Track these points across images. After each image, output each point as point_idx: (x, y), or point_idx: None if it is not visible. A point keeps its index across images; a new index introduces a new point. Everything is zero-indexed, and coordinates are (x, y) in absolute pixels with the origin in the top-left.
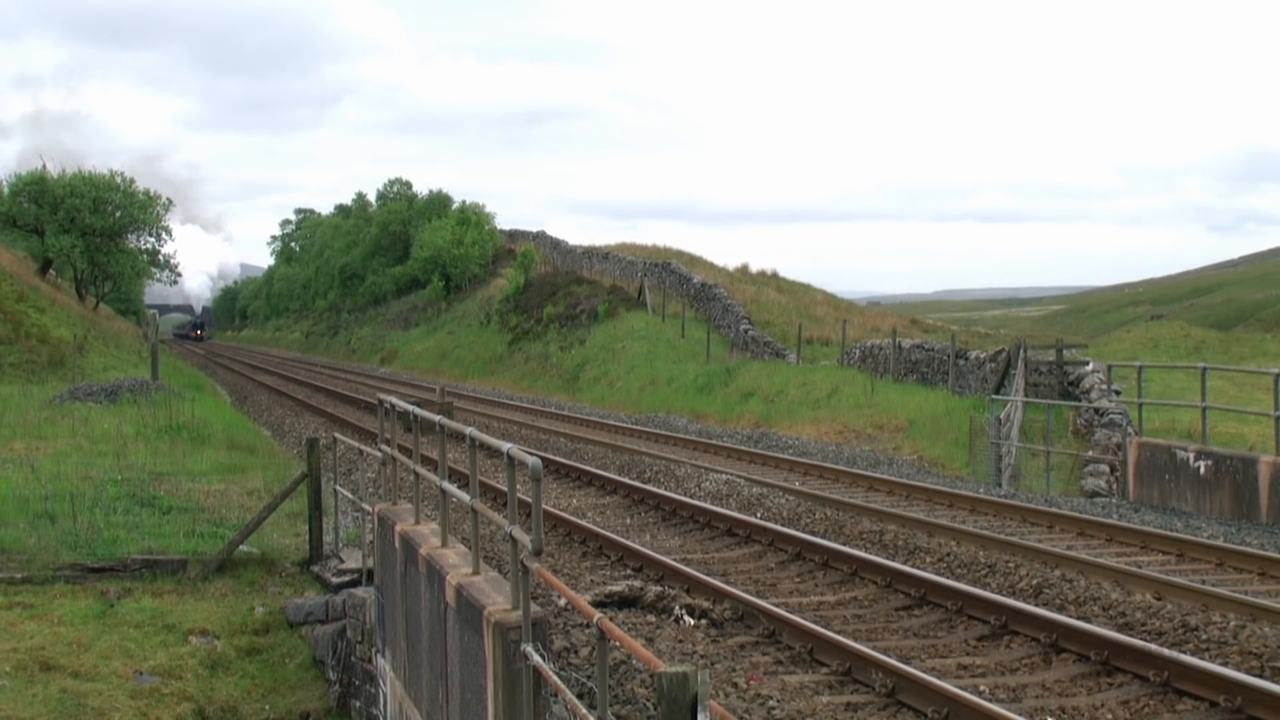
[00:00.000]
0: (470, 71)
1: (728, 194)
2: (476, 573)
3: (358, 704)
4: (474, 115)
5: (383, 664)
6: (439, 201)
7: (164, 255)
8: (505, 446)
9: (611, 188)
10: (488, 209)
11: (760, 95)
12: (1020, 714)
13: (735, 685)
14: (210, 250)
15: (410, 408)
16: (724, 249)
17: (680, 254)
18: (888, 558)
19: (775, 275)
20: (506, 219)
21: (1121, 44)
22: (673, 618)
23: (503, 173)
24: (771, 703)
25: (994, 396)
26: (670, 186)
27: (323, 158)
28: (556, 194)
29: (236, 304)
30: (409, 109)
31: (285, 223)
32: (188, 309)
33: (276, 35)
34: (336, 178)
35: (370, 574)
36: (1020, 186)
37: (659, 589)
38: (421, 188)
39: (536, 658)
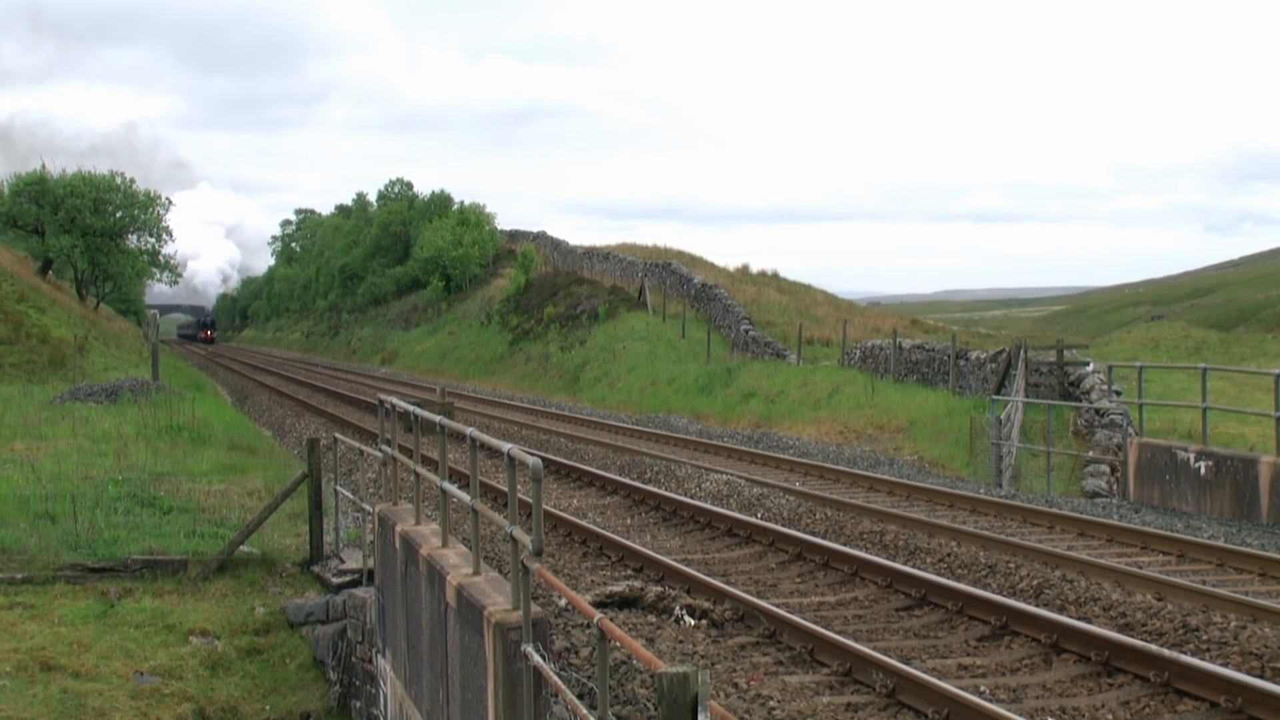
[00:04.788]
0: (459, 69)
1: (724, 194)
2: (477, 573)
3: (358, 704)
4: (464, 113)
5: (383, 664)
6: (440, 202)
7: (164, 256)
8: (506, 447)
9: (606, 188)
10: (487, 209)
11: (755, 94)
12: (1021, 714)
13: (736, 685)
14: (224, 211)
15: (411, 408)
16: (722, 249)
17: (681, 254)
18: (888, 558)
19: (776, 275)
20: (502, 219)
21: (1111, 44)
22: (673, 618)
23: (496, 172)
24: (772, 703)
25: (994, 397)
26: (666, 186)
27: (313, 157)
28: (551, 194)
29: (237, 304)
30: (398, 107)
31: (285, 223)
32: (198, 309)
33: (263, 32)
34: (328, 177)
35: (371, 574)
36: (1015, 186)
37: (659, 589)
38: (421, 188)
39: (537, 658)
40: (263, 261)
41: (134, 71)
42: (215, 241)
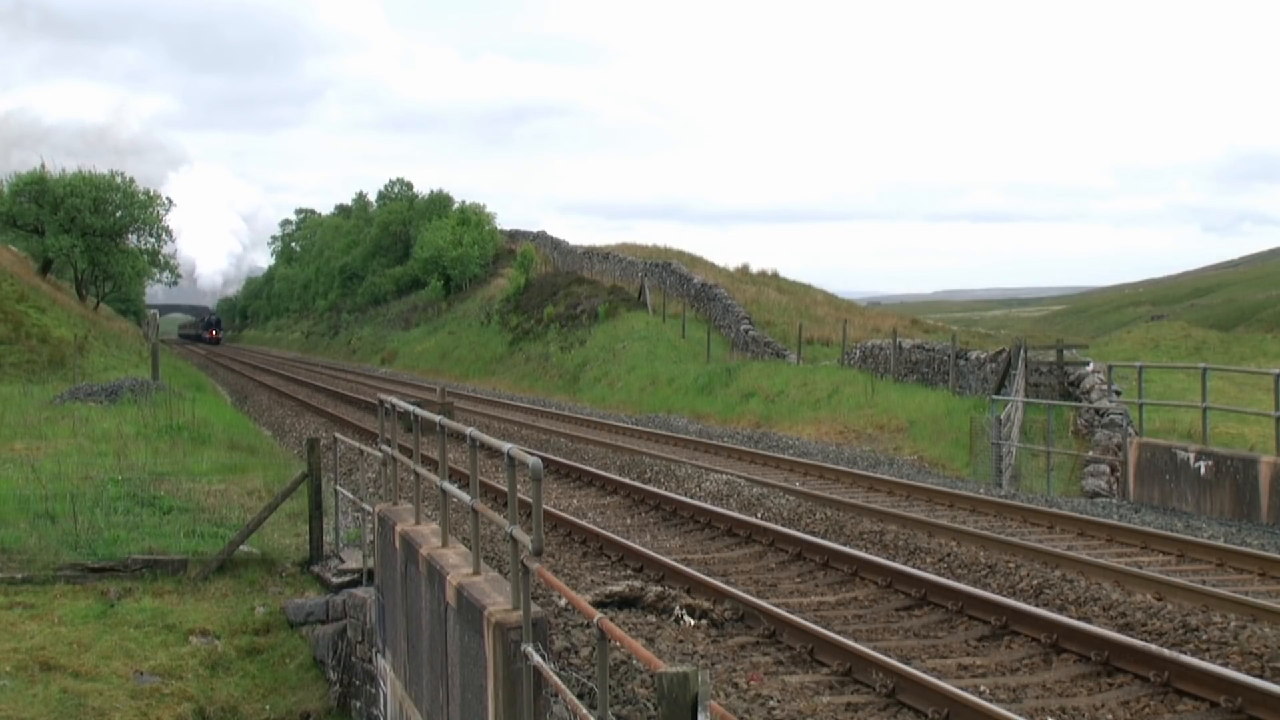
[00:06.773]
0: (455, 68)
1: (724, 194)
2: (477, 573)
3: (358, 704)
4: (460, 112)
5: (383, 664)
6: (440, 202)
7: (164, 256)
8: (506, 446)
9: (605, 187)
10: (486, 209)
11: (754, 94)
12: (1020, 714)
13: (736, 685)
14: (229, 194)
15: (411, 408)
16: (722, 249)
17: (681, 254)
18: (888, 558)
19: (776, 275)
20: (500, 219)
21: (1110, 44)
22: (673, 618)
23: (493, 172)
24: (772, 703)
25: (994, 397)
26: (665, 186)
27: (308, 156)
28: (549, 194)
29: (237, 304)
30: (394, 106)
31: (285, 223)
32: (200, 309)
33: (258, 30)
34: (324, 176)
35: (370, 574)
36: (1014, 186)
37: (659, 589)
38: (419, 187)
39: (537, 658)
40: (264, 257)
41: (128, 69)
42: (223, 219)
